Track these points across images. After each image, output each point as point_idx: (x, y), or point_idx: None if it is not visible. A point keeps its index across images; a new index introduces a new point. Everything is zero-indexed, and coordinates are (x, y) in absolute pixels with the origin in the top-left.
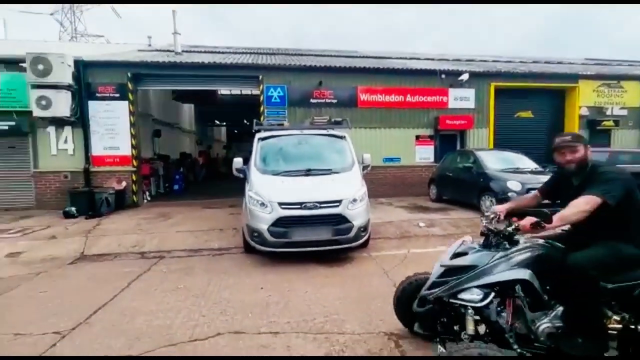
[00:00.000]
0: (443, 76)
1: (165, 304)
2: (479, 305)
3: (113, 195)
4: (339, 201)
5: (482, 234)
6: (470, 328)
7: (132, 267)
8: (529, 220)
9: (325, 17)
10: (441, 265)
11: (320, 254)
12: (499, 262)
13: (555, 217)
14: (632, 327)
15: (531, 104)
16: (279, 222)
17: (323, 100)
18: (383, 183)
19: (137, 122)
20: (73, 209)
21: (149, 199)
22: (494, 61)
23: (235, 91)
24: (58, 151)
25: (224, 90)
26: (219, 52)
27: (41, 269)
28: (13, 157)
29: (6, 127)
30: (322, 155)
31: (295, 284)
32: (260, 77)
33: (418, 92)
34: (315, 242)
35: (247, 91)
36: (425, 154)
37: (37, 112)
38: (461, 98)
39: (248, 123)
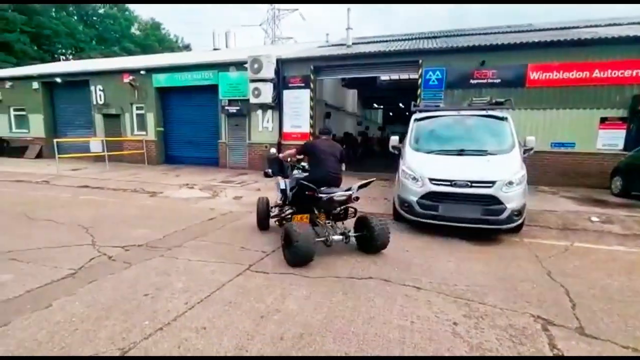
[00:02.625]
0: None
1: None
2: None
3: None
4: (493, 182)
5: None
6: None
7: None
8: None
9: None
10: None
11: (466, 231)
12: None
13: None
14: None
15: None
16: (428, 196)
17: (484, 81)
18: (548, 170)
19: (314, 106)
20: (270, 170)
21: None
22: None
23: (394, 76)
24: (263, 128)
25: (383, 77)
26: (382, 42)
27: (252, 209)
28: (237, 132)
29: (234, 111)
30: (477, 136)
31: (439, 253)
32: (420, 61)
33: (611, 66)
34: (462, 219)
35: (405, 76)
36: (611, 140)
37: (252, 100)
38: None
39: (403, 106)
